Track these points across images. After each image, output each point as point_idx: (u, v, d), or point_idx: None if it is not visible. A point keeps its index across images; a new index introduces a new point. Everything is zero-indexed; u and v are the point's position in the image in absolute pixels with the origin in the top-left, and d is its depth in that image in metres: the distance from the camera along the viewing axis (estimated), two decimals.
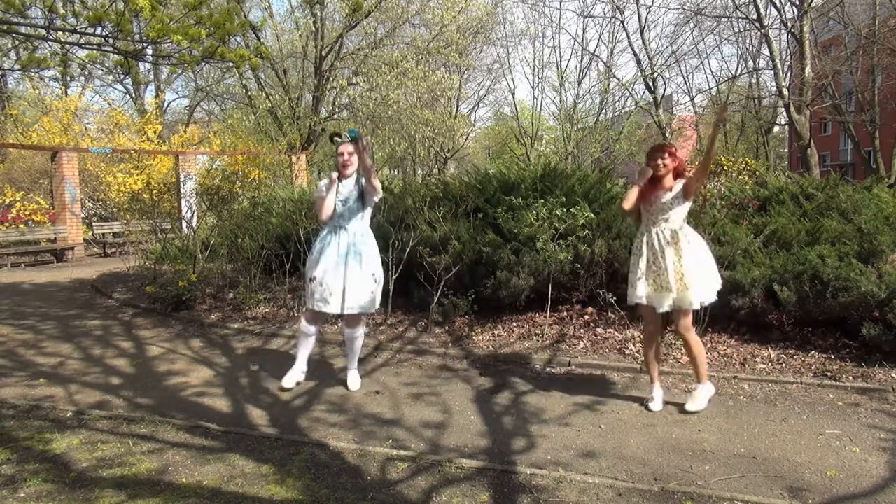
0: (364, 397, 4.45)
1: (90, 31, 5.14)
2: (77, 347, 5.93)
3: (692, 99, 34.41)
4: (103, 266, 11.65)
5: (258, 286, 7.42)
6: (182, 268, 7.94)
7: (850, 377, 4.53)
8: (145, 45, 5.57)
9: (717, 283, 4.12)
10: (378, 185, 4.37)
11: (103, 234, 15.63)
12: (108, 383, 4.86)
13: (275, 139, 17.58)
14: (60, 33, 5.51)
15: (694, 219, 5.61)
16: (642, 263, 4.03)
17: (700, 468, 3.31)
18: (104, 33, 5.18)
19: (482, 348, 5.45)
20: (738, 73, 30.79)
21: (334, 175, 4.47)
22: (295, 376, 4.63)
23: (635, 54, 27.76)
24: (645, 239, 4.05)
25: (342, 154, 4.41)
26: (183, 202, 12.36)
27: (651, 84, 27.58)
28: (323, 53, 17.09)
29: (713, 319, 5.36)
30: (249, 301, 7.06)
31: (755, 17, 19.40)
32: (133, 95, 27.72)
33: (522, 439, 3.69)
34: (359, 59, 17.60)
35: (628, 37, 29.26)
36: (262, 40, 16.93)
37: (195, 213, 9.71)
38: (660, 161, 3.97)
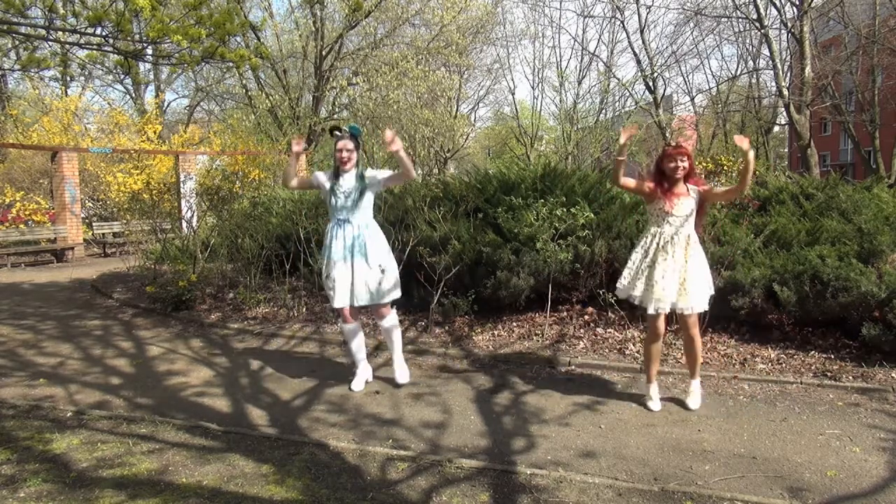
0: (364, 397, 4.45)
1: (90, 31, 5.14)
2: (77, 347, 5.93)
3: (692, 99, 34.45)
4: (103, 266, 11.65)
5: (258, 286, 7.42)
6: (182, 268, 7.94)
7: (850, 377, 4.53)
8: (145, 45, 5.57)
9: (710, 290, 4.12)
10: (412, 173, 4.42)
11: (103, 234, 15.63)
12: (108, 383, 4.86)
13: (275, 139, 17.58)
14: (60, 33, 5.51)
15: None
16: (644, 262, 4.04)
17: (700, 468, 3.31)
18: (104, 33, 5.18)
19: (482, 348, 5.45)
20: (738, 73, 30.82)
21: (296, 147, 4.51)
22: (364, 375, 4.67)
23: (635, 54, 27.78)
24: (652, 239, 4.05)
25: (340, 150, 4.42)
26: (183, 202, 12.35)
27: (651, 84, 27.58)
28: (323, 53, 17.09)
29: (713, 319, 5.36)
30: (249, 301, 7.06)
31: (755, 17, 19.40)
32: (133, 95, 27.72)
33: (522, 439, 3.69)
34: (359, 59, 17.60)
35: (628, 37, 29.29)
36: (262, 40, 16.94)
37: (195, 213, 9.71)
38: (679, 163, 3.95)
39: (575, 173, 6.94)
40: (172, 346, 5.91)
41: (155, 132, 17.08)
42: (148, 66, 22.00)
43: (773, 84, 22.38)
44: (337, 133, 4.49)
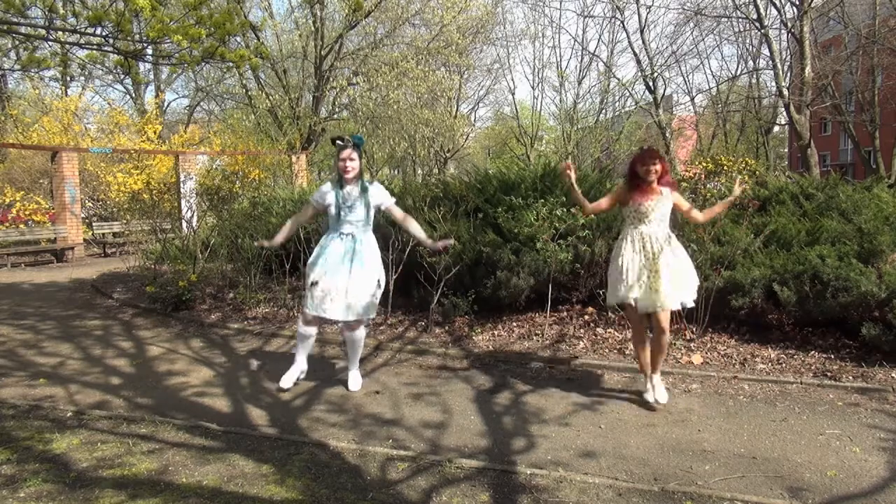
0: (364, 397, 4.45)
1: (90, 31, 5.14)
2: (77, 347, 5.93)
3: (692, 99, 34.42)
4: (103, 266, 11.65)
5: (258, 286, 7.42)
6: (182, 268, 7.94)
7: (850, 377, 4.53)
8: (145, 45, 5.56)
9: (692, 292, 4.13)
10: (438, 245, 4.59)
11: (103, 234, 15.63)
12: (108, 383, 4.86)
13: (275, 139, 17.60)
14: (60, 33, 5.51)
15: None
16: (626, 264, 4.07)
17: (700, 468, 3.31)
18: (104, 33, 5.17)
19: (482, 348, 5.45)
20: (738, 73, 30.86)
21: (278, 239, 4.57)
22: (293, 375, 4.61)
23: (635, 54, 27.75)
24: (630, 240, 4.10)
25: (344, 160, 4.33)
26: (183, 202, 12.35)
27: (651, 84, 27.56)
28: (323, 53, 17.09)
29: (713, 319, 5.36)
30: (249, 301, 7.06)
31: (755, 17, 19.39)
32: (133, 95, 27.74)
33: (522, 439, 3.69)
34: (359, 59, 17.60)
35: (628, 37, 29.33)
36: (262, 40, 16.94)
37: (195, 213, 9.71)
38: (651, 167, 4.04)
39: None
40: (172, 346, 5.91)
41: (155, 132, 17.08)
42: (148, 66, 22.02)
43: (773, 84, 22.37)
44: (339, 143, 4.38)
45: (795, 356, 4.93)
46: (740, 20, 22.18)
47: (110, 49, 5.59)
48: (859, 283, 4.80)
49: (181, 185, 13.61)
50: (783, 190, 6.76)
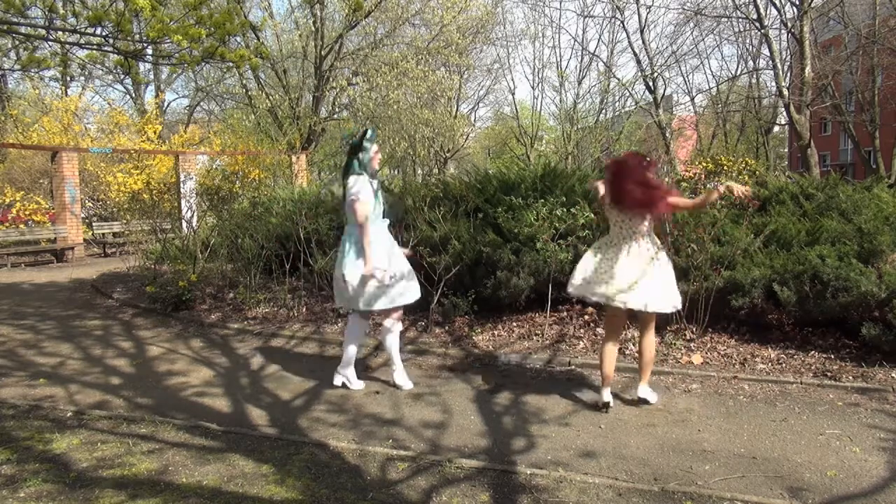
0: (364, 397, 4.46)
1: (90, 31, 5.14)
2: (77, 347, 5.93)
3: (692, 99, 34.38)
4: (103, 266, 11.66)
5: (258, 286, 7.42)
6: (182, 268, 7.94)
7: (850, 377, 4.53)
8: (145, 45, 5.56)
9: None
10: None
11: (103, 234, 15.63)
12: (108, 383, 4.86)
13: (275, 139, 17.58)
14: (60, 33, 5.51)
15: (693, 219, 5.63)
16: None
17: (700, 468, 3.31)
18: (104, 33, 5.17)
19: (482, 348, 5.45)
20: (738, 73, 30.79)
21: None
22: (401, 372, 4.73)
23: (635, 54, 27.74)
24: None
25: (377, 153, 4.56)
26: (183, 202, 12.35)
27: (651, 84, 27.55)
28: (323, 53, 17.09)
29: (713, 319, 5.36)
30: (249, 301, 7.06)
31: (755, 17, 19.38)
32: (133, 95, 27.74)
33: (522, 439, 3.69)
34: (359, 59, 17.60)
35: (628, 37, 29.31)
36: (262, 40, 16.94)
37: (195, 213, 9.71)
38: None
39: (575, 173, 6.95)
40: (172, 346, 5.91)
41: (155, 132, 17.07)
42: (148, 66, 22.00)
43: (773, 84, 22.37)
44: (370, 136, 4.54)
45: (795, 356, 4.93)
46: (740, 20, 22.17)
47: (110, 49, 5.59)
48: (859, 283, 4.80)
49: (181, 185, 13.61)
50: (783, 190, 6.75)
